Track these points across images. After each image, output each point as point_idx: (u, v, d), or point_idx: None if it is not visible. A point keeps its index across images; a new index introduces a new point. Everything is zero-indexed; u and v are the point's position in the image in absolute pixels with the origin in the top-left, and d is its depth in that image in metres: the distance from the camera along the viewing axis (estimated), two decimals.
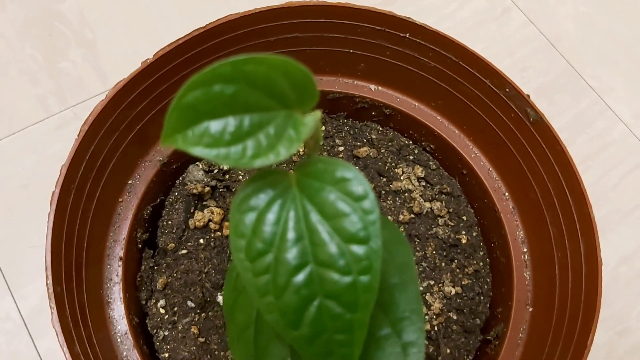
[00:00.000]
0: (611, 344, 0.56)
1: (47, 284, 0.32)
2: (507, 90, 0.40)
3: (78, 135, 0.35)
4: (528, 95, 0.39)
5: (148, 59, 0.39)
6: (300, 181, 0.26)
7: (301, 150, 0.45)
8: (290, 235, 0.25)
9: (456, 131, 0.45)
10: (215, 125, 0.25)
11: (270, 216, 0.26)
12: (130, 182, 0.41)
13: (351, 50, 0.44)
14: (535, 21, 0.74)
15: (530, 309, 0.40)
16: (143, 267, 0.41)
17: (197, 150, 0.24)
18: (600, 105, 0.69)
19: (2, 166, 0.62)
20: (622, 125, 0.68)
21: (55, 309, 0.31)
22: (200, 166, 0.43)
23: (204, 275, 0.41)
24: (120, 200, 0.41)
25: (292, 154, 0.25)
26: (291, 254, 0.25)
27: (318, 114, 0.26)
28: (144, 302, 0.40)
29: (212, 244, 0.42)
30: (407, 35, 0.42)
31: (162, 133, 0.24)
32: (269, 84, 0.25)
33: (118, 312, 0.38)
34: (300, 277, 0.25)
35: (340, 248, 0.25)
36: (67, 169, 0.35)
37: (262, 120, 0.25)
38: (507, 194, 0.43)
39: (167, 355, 0.38)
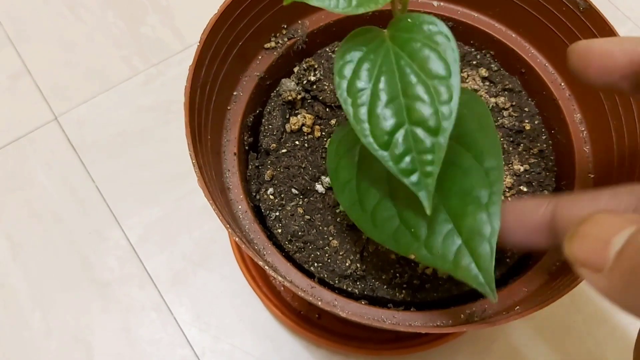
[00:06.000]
0: None
1: (190, 156, 0.39)
2: None
3: (199, 42, 0.42)
4: None
5: None
6: (392, 35, 0.33)
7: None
8: (384, 77, 0.32)
9: (513, 35, 0.50)
10: None
11: (367, 64, 0.32)
12: (235, 93, 0.48)
13: None
14: None
15: (592, 176, 0.45)
16: (250, 167, 0.48)
17: (313, 1, 0.31)
18: None
19: (100, 117, 0.70)
20: None
21: (198, 169, 0.38)
22: (292, 79, 0.50)
23: (302, 169, 0.47)
24: (228, 108, 0.48)
25: (386, 2, 0.31)
26: (384, 91, 0.32)
27: None
28: (254, 194, 0.47)
29: (306, 144, 0.48)
30: None
31: None
32: None
33: (237, 196, 0.45)
34: (391, 108, 0.32)
35: (425, 84, 0.31)
36: (192, 73, 0.42)
37: None
38: (563, 84, 0.49)
39: (280, 230, 0.45)
